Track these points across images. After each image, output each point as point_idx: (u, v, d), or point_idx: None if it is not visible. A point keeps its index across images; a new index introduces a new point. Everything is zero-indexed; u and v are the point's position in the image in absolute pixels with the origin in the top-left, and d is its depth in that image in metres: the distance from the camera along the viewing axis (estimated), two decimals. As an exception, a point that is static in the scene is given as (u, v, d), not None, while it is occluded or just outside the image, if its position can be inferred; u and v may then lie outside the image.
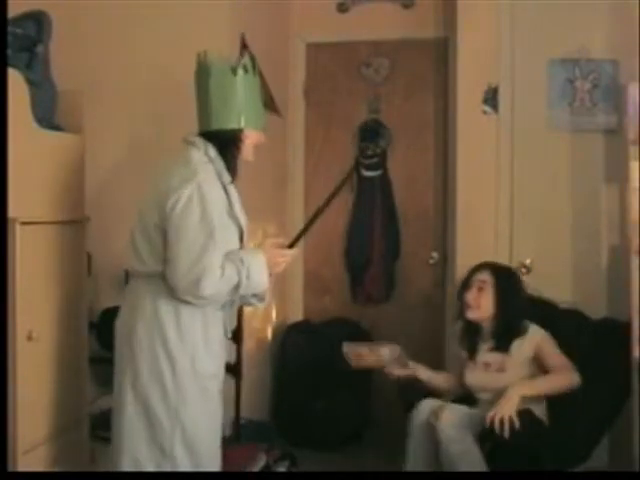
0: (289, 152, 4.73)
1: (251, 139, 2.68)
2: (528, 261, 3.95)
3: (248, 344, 3.92)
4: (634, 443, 3.23)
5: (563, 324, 3.50)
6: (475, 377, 3.30)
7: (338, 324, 4.53)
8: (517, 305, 3.29)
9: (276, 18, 4.53)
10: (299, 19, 4.68)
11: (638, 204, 3.33)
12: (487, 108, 4.04)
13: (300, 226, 4.77)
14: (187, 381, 2.52)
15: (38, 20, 3.04)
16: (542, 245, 3.96)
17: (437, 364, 4.43)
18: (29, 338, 2.73)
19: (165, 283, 2.50)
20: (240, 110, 2.61)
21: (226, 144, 2.62)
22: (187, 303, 2.50)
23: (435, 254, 4.58)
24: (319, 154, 4.78)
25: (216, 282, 2.44)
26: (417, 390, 3.43)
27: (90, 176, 3.27)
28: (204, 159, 2.57)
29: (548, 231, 3.96)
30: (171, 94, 3.79)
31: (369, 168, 4.69)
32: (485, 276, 3.32)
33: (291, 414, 4.35)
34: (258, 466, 3.39)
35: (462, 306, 3.35)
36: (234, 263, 2.48)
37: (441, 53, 4.56)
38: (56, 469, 2.94)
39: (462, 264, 4.03)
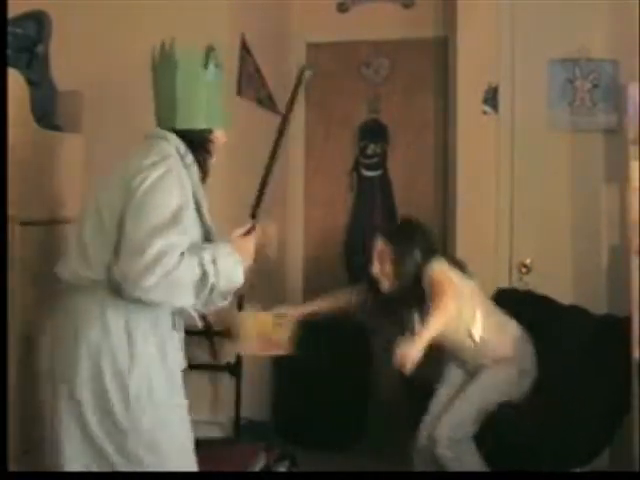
0: (289, 152, 4.72)
1: (220, 140, 2.40)
2: (528, 261, 3.95)
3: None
4: (634, 443, 3.23)
5: (565, 321, 3.50)
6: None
7: (338, 324, 4.52)
8: (417, 259, 3.13)
9: (276, 18, 4.53)
10: (299, 19, 4.68)
11: (638, 204, 3.33)
12: (487, 108, 4.04)
13: (300, 226, 4.78)
14: (142, 413, 2.16)
15: (38, 20, 3.04)
16: (542, 245, 3.96)
17: (437, 363, 4.43)
18: (31, 338, 2.73)
19: (113, 298, 2.13)
20: (211, 109, 2.35)
21: (194, 146, 2.32)
22: (139, 321, 2.16)
23: (435, 254, 4.58)
24: (319, 154, 4.78)
25: (175, 266, 2.02)
26: (420, 379, 3.42)
27: (90, 176, 3.27)
28: (174, 153, 2.26)
29: (548, 231, 3.96)
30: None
31: (369, 168, 4.70)
32: (380, 246, 3.19)
33: (291, 414, 4.35)
34: (258, 466, 3.39)
35: (371, 281, 3.24)
36: (196, 254, 2.09)
37: (441, 53, 4.55)
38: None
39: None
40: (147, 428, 2.15)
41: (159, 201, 2.09)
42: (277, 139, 2.57)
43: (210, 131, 2.35)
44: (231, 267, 2.17)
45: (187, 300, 2.12)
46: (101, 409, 2.14)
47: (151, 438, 2.16)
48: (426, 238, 3.23)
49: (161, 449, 2.17)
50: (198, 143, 2.33)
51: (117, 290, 2.10)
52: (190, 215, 2.18)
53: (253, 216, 2.38)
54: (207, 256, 2.10)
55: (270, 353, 3.30)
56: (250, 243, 2.32)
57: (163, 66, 2.34)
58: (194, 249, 2.11)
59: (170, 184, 2.13)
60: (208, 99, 2.33)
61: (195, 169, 2.29)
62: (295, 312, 3.25)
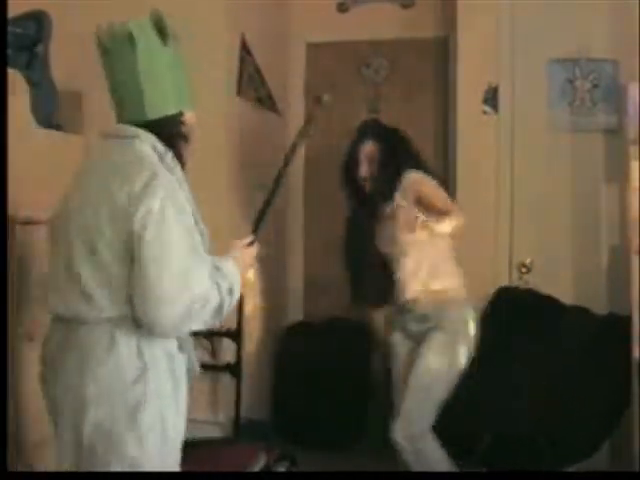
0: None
1: (191, 120, 2.09)
2: (528, 261, 3.95)
3: (248, 344, 3.92)
4: (634, 443, 3.23)
5: (567, 320, 3.50)
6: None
7: (338, 324, 4.53)
8: (400, 161, 3.17)
9: (276, 18, 4.53)
10: (299, 19, 4.68)
11: (638, 204, 3.33)
12: (487, 108, 4.04)
13: (300, 225, 4.78)
14: (155, 449, 1.95)
15: (38, 20, 3.04)
16: (542, 245, 3.96)
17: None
18: (30, 339, 2.73)
19: (124, 330, 1.90)
20: (178, 89, 2.05)
21: (170, 136, 2.03)
22: (155, 360, 1.94)
23: (435, 254, 4.57)
24: (319, 154, 4.78)
25: (203, 308, 1.91)
26: None
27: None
28: (155, 156, 1.98)
29: (548, 231, 3.96)
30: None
31: (369, 168, 4.69)
32: (370, 147, 3.19)
33: (291, 414, 4.35)
34: (258, 466, 3.39)
35: (351, 183, 3.24)
36: (215, 284, 1.95)
37: (441, 53, 4.55)
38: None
39: (462, 264, 4.03)
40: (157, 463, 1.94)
41: (173, 240, 1.87)
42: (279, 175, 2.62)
43: (181, 114, 2.06)
44: (239, 292, 2.04)
45: (200, 327, 1.98)
46: (110, 449, 1.91)
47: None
48: (411, 145, 3.28)
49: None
50: (174, 132, 2.04)
51: (134, 322, 1.91)
52: (191, 223, 1.98)
53: (254, 231, 2.28)
54: (225, 284, 1.97)
55: None
56: (251, 256, 2.21)
57: (117, 48, 2.07)
58: (212, 274, 1.95)
59: (173, 211, 1.89)
60: (174, 78, 2.05)
61: (178, 168, 2.02)
62: None
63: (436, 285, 3.14)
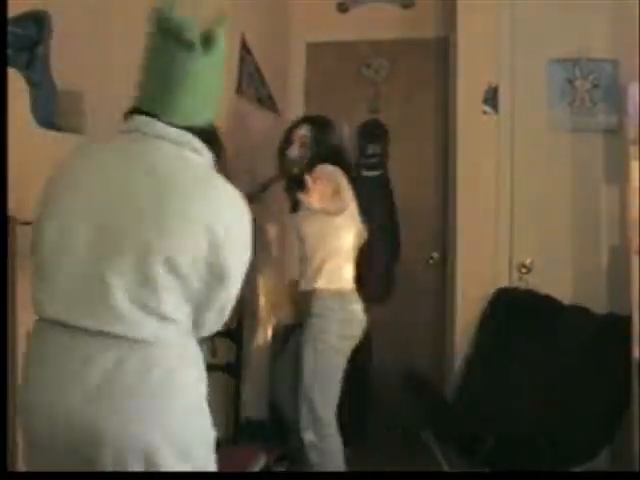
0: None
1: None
2: (528, 261, 3.95)
3: (248, 344, 3.92)
4: (634, 443, 3.23)
5: (567, 320, 3.50)
6: (307, 221, 3.31)
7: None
8: (329, 150, 3.33)
9: (276, 18, 4.53)
10: (299, 19, 4.68)
11: (638, 204, 3.33)
12: (487, 108, 4.04)
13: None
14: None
15: (38, 20, 3.04)
16: (542, 245, 3.96)
17: (437, 363, 4.44)
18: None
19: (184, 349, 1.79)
20: (216, 98, 1.88)
21: (213, 149, 1.86)
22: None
23: (435, 254, 4.58)
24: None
25: None
26: (417, 381, 3.43)
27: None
28: (210, 167, 1.83)
29: (548, 231, 3.96)
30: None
31: (369, 168, 4.69)
32: (305, 131, 3.37)
33: (291, 414, 4.34)
34: (258, 466, 3.39)
35: (283, 164, 3.42)
36: None
37: (441, 53, 4.56)
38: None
39: (462, 264, 4.04)
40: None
41: (245, 249, 1.81)
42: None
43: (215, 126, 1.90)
44: None
45: None
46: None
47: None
48: (341, 138, 3.51)
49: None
50: (215, 143, 1.88)
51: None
52: None
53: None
54: None
55: None
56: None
57: (181, 43, 1.84)
58: None
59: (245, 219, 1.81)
60: (215, 85, 1.87)
61: None
62: None
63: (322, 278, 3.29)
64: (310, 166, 3.23)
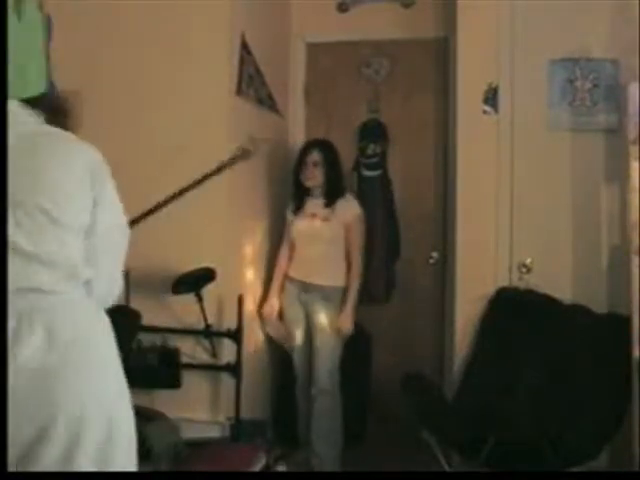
0: (289, 152, 4.72)
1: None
2: (528, 260, 3.94)
3: (248, 344, 3.92)
4: (634, 443, 3.23)
5: (567, 319, 3.50)
6: (303, 224, 4.03)
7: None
8: (339, 173, 4.07)
9: (276, 18, 4.53)
10: (299, 19, 4.68)
11: (638, 204, 3.33)
12: (487, 108, 4.04)
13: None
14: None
15: (38, 20, 3.03)
16: (542, 244, 3.96)
17: (437, 363, 4.44)
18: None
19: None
20: (39, 66, 1.87)
21: (56, 115, 1.88)
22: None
23: (435, 254, 4.58)
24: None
25: None
26: (418, 381, 3.43)
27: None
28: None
29: (548, 231, 3.96)
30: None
31: (369, 168, 4.69)
32: (316, 156, 4.00)
33: (291, 414, 4.35)
34: (258, 466, 3.39)
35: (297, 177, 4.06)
36: None
37: (441, 53, 4.56)
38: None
39: (462, 264, 4.03)
40: None
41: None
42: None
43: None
44: None
45: None
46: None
47: None
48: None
49: None
50: (58, 110, 1.91)
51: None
52: None
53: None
54: None
55: None
56: None
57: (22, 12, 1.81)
58: None
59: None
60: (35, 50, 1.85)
61: None
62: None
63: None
64: (330, 186, 4.02)
